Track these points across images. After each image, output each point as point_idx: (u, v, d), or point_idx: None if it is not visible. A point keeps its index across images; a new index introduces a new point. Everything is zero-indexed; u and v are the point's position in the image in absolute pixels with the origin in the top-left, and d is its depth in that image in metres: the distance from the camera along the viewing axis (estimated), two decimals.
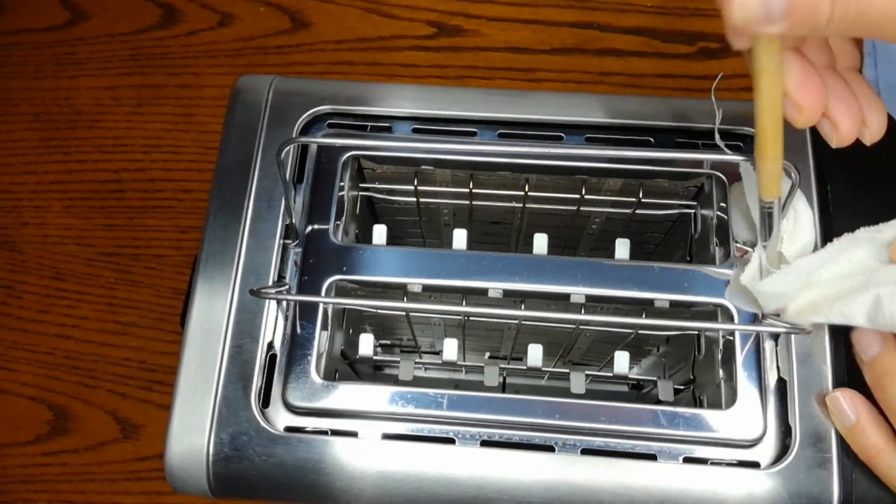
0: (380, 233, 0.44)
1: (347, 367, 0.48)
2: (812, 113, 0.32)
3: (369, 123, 0.44)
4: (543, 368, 0.43)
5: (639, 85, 0.71)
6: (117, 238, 0.71)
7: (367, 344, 0.44)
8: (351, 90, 0.45)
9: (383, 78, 0.73)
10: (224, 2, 0.76)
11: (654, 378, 0.50)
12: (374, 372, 0.57)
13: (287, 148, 0.38)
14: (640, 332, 0.44)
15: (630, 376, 0.44)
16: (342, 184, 0.43)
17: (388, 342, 0.61)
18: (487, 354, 0.61)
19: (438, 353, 0.58)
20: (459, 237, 0.43)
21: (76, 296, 0.70)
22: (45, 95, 0.75)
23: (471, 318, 0.49)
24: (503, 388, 0.60)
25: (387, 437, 0.38)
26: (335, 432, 0.39)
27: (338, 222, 0.43)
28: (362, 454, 0.38)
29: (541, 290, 0.40)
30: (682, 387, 0.48)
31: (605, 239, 0.51)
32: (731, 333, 0.39)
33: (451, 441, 0.38)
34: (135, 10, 0.76)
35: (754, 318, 0.39)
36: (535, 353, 0.43)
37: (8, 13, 0.78)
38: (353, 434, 0.39)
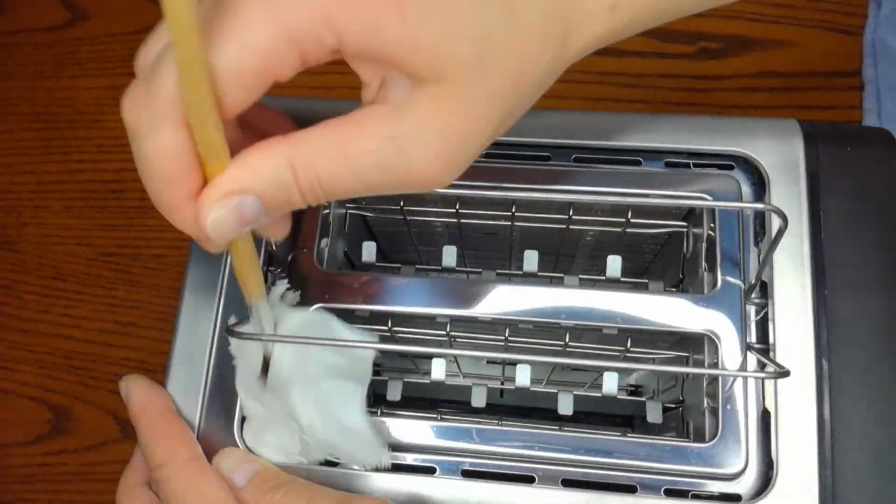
0: (369, 250, 0.44)
1: None
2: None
3: None
4: (532, 388, 0.43)
5: (639, 85, 0.71)
6: (117, 238, 0.71)
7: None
8: (336, 111, 0.45)
9: None
10: None
11: (647, 394, 0.50)
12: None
13: None
14: (627, 355, 0.44)
15: (620, 396, 0.44)
16: (326, 203, 0.43)
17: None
18: (485, 362, 0.61)
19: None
20: (449, 254, 0.43)
21: (76, 296, 0.70)
22: (45, 95, 0.75)
23: (463, 332, 0.49)
24: (500, 394, 0.59)
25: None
26: (323, 462, 0.39)
27: (322, 245, 0.43)
28: (343, 484, 0.38)
29: (528, 319, 0.40)
30: (672, 405, 0.48)
31: (601, 249, 0.51)
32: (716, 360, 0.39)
33: (431, 471, 0.38)
34: (135, 10, 0.76)
35: (742, 360, 0.39)
36: (523, 374, 0.43)
37: (8, 13, 0.78)
38: (335, 464, 0.39)
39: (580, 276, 0.50)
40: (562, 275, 0.47)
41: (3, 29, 0.77)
